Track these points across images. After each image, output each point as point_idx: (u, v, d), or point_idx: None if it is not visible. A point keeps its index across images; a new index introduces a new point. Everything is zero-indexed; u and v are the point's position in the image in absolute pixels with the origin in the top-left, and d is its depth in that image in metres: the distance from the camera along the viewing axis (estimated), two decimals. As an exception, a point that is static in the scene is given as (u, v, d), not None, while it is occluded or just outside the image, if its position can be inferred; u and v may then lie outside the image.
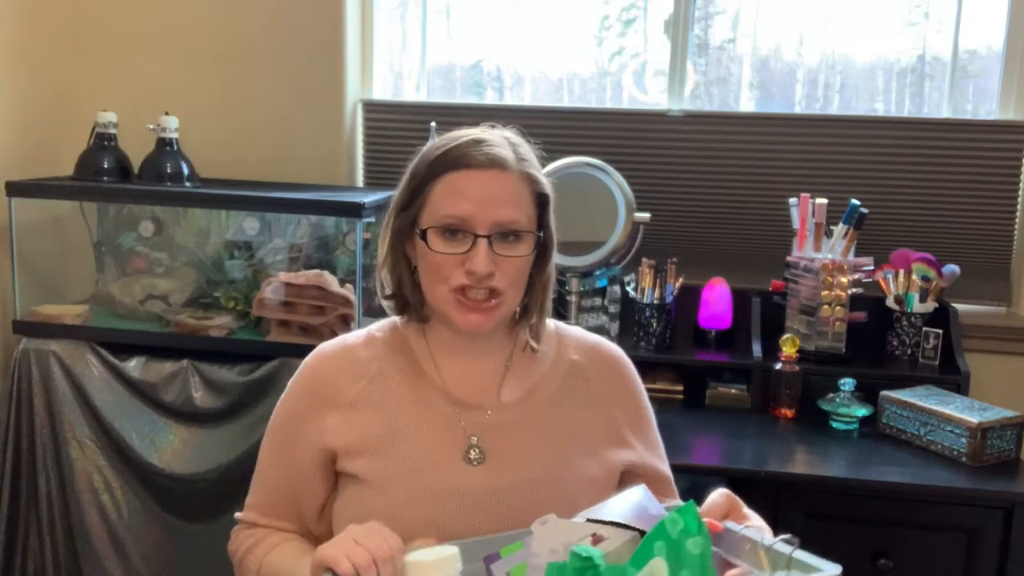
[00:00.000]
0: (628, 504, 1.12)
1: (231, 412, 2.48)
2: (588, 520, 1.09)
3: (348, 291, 2.50)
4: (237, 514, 1.40)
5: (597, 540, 1.06)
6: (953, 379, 2.38)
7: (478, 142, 1.25)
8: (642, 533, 1.07)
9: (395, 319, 1.39)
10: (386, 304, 1.38)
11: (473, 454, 1.26)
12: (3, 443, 2.54)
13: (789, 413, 2.36)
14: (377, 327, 1.39)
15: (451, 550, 1.00)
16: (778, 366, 2.38)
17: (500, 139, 1.28)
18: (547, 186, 1.30)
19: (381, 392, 1.30)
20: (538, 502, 1.23)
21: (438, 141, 1.29)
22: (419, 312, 1.34)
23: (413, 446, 1.25)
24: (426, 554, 1.01)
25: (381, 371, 1.31)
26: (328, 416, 1.29)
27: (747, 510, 1.16)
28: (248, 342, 2.53)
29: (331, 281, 2.50)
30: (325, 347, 1.36)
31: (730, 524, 1.09)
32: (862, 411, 2.29)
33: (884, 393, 2.28)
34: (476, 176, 1.22)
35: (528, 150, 1.31)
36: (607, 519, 1.08)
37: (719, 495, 1.16)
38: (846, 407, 2.29)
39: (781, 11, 2.82)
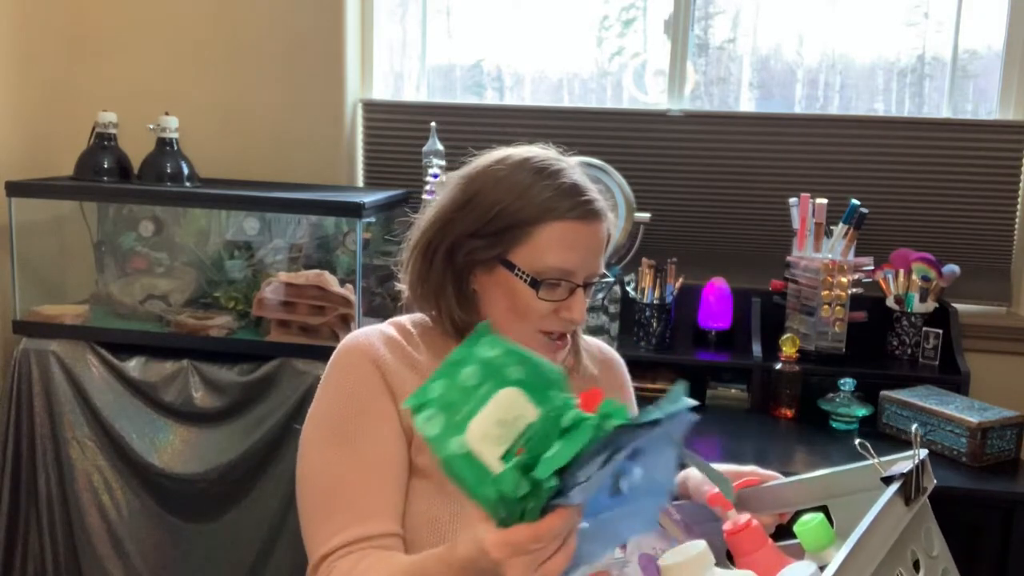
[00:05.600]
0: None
1: (231, 412, 2.48)
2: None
3: (348, 291, 2.50)
4: (320, 551, 1.14)
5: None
6: (953, 379, 2.38)
7: (582, 189, 1.20)
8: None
9: (421, 316, 1.32)
10: (428, 320, 1.30)
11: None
12: (3, 443, 2.54)
13: (789, 413, 2.36)
14: (408, 321, 1.31)
15: (700, 544, 0.99)
16: (778, 366, 2.38)
17: (588, 181, 1.23)
18: (615, 227, 1.28)
19: None
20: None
21: (521, 170, 1.21)
22: (465, 330, 1.25)
23: None
24: (678, 555, 0.99)
25: (429, 368, 1.22)
26: (399, 402, 1.18)
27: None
28: (248, 342, 2.53)
29: (331, 281, 2.50)
30: (367, 336, 1.25)
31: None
32: (862, 411, 2.29)
33: (884, 393, 2.28)
34: (584, 229, 1.19)
35: None
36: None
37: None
38: (846, 407, 2.29)
39: (781, 11, 2.82)
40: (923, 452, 1.01)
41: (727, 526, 1.08)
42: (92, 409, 2.50)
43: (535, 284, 1.18)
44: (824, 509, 1.11)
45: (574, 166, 1.24)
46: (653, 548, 1.08)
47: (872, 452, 1.07)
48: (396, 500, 1.17)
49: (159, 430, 2.51)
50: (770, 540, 1.08)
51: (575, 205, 1.19)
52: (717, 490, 1.15)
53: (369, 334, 1.26)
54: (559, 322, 1.21)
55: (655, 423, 0.90)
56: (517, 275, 1.19)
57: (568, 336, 1.26)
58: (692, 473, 1.26)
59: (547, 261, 1.18)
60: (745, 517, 1.08)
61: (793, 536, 1.11)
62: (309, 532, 1.18)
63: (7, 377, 2.55)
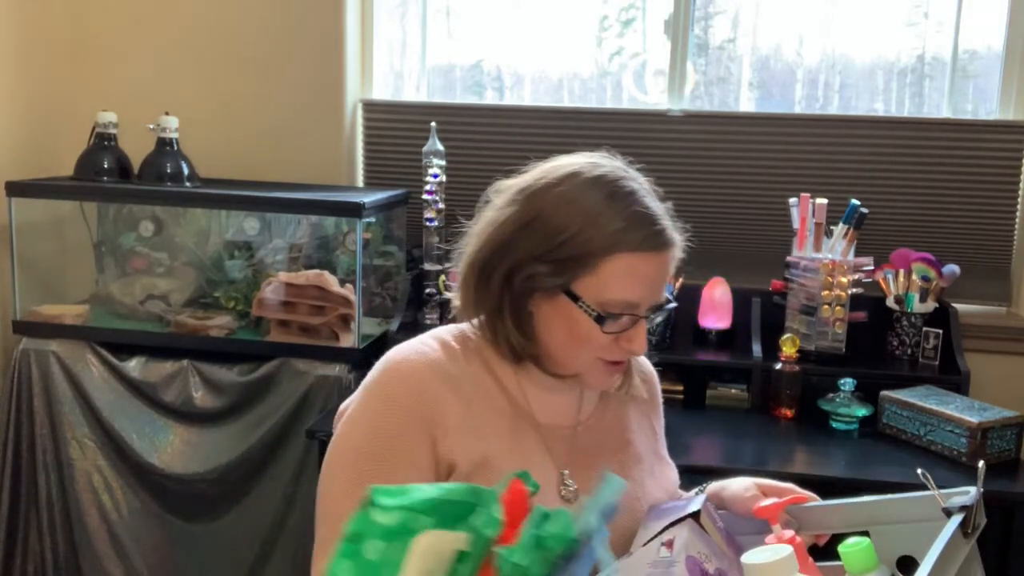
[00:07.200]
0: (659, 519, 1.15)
1: (231, 412, 2.48)
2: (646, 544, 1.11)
3: (348, 291, 2.50)
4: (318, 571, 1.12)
5: (671, 544, 1.08)
6: (953, 379, 2.37)
7: (653, 218, 1.15)
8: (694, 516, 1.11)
9: (463, 327, 1.25)
10: (469, 331, 1.24)
11: (564, 492, 1.20)
12: (3, 443, 2.54)
13: (789, 413, 2.36)
14: (449, 335, 1.24)
15: (787, 549, 0.97)
16: (778, 366, 2.37)
17: (658, 202, 1.17)
18: (681, 248, 1.23)
19: (478, 416, 1.17)
20: (623, 523, 1.21)
21: (590, 192, 1.14)
22: (523, 355, 1.20)
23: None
24: (763, 555, 0.98)
25: (475, 392, 1.19)
26: (438, 440, 1.14)
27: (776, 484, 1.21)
28: (248, 342, 2.53)
29: (331, 281, 2.50)
30: (410, 360, 1.18)
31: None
32: (862, 411, 2.29)
33: (884, 393, 2.28)
34: (653, 260, 1.14)
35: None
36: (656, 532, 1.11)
37: (746, 486, 1.20)
38: (846, 407, 2.29)
39: (781, 11, 2.81)
40: (978, 489, 1.03)
41: (770, 540, 1.07)
42: (92, 409, 2.50)
43: (600, 319, 1.13)
44: (863, 533, 1.10)
45: (644, 185, 1.19)
46: (699, 552, 1.07)
47: (933, 483, 1.06)
48: None
49: (159, 430, 2.51)
50: (811, 559, 1.07)
51: (647, 237, 1.13)
52: (766, 503, 1.14)
53: (413, 361, 1.18)
54: (619, 352, 1.16)
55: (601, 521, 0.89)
56: (582, 307, 1.13)
57: (624, 362, 1.21)
58: (728, 484, 1.24)
59: (613, 294, 1.12)
60: (789, 533, 1.07)
61: (829, 558, 1.10)
62: (316, 544, 1.15)
63: (7, 377, 2.55)
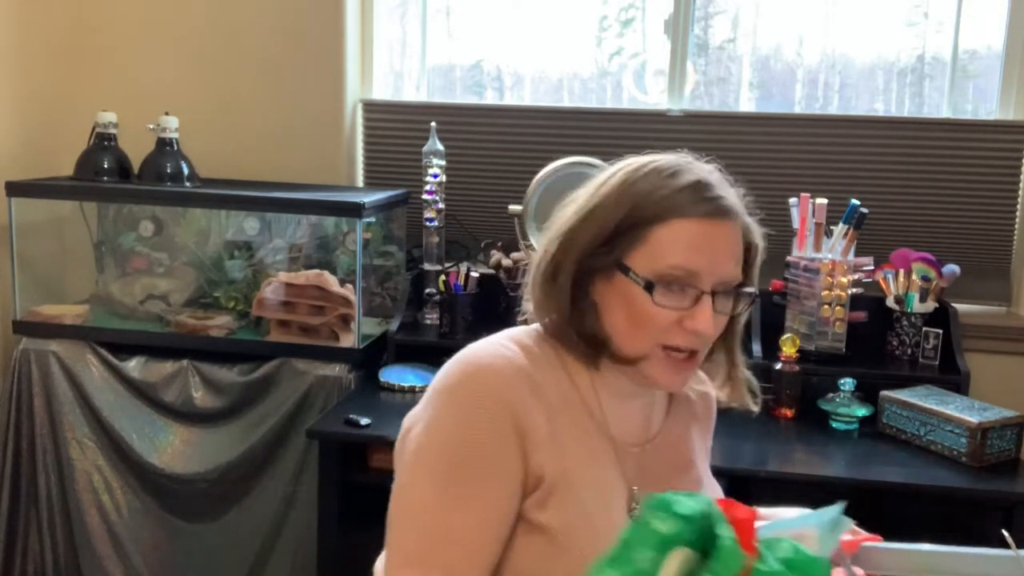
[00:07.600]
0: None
1: (231, 412, 2.48)
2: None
3: (348, 291, 2.50)
4: None
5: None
6: (953, 379, 2.37)
7: (707, 186, 1.13)
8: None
9: (538, 327, 1.20)
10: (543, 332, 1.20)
11: (636, 510, 1.15)
12: (3, 443, 2.54)
13: (789, 413, 2.36)
14: (527, 338, 1.18)
15: None
16: (778, 366, 2.37)
17: (721, 180, 1.16)
18: (759, 236, 1.19)
19: (561, 427, 1.12)
20: None
21: (645, 175, 1.12)
22: (595, 349, 1.15)
23: (586, 496, 1.11)
24: None
25: (558, 401, 1.13)
26: (529, 452, 1.09)
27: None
28: (248, 342, 2.53)
29: (331, 281, 2.50)
30: (495, 364, 1.12)
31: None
32: (862, 411, 2.29)
33: (884, 393, 2.28)
34: (709, 227, 1.10)
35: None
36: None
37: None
38: (846, 407, 2.29)
39: (781, 11, 2.82)
40: None
41: (839, 573, 1.06)
42: (92, 409, 2.50)
43: (649, 287, 1.08)
44: None
45: (706, 168, 1.16)
46: None
47: (1014, 544, 1.04)
48: (488, 560, 1.08)
49: (159, 430, 2.51)
50: None
51: (698, 201, 1.10)
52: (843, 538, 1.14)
53: (498, 365, 1.12)
54: (683, 335, 1.11)
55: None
56: (632, 278, 1.09)
57: (698, 355, 1.15)
58: (778, 511, 1.21)
59: (667, 260, 1.08)
60: (860, 572, 1.06)
61: None
62: (392, 551, 1.11)
63: (7, 377, 2.55)
